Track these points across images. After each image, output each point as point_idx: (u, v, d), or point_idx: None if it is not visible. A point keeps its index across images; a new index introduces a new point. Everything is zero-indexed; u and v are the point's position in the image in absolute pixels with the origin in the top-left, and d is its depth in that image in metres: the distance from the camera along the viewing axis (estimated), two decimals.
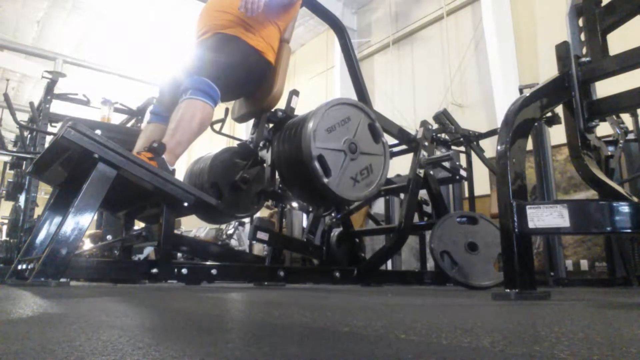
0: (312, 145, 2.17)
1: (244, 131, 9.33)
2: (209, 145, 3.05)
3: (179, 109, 2.21)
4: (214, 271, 2.26)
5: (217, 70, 2.32)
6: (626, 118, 3.67)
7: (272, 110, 2.53)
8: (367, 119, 2.47)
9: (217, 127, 2.78)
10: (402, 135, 3.06)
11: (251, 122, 2.71)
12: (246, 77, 2.49)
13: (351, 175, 2.35)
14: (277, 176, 2.52)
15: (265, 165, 2.55)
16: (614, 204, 1.48)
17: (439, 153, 3.31)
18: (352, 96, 3.11)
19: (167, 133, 2.18)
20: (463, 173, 3.36)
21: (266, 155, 2.54)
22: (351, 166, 2.35)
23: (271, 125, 2.58)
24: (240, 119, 2.76)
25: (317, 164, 2.18)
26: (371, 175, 2.43)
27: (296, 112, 2.65)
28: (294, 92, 2.67)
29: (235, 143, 3.26)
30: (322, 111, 2.27)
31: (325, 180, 2.21)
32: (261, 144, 2.56)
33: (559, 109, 1.88)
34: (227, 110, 2.82)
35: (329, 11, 3.25)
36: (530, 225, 1.47)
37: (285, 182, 2.50)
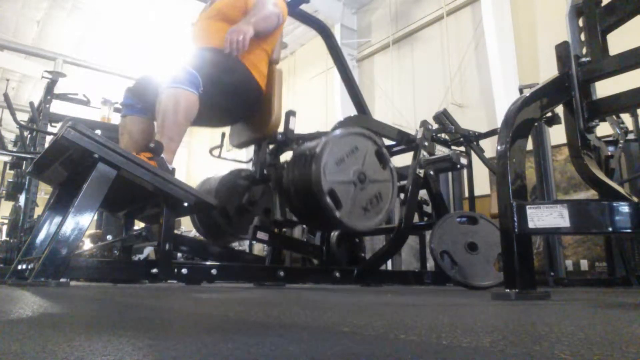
0: (323, 181, 2.17)
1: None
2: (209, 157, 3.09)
3: (161, 102, 2.12)
4: (214, 271, 2.26)
5: (209, 83, 2.23)
6: (626, 118, 3.67)
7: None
8: (374, 146, 2.46)
9: (216, 152, 2.83)
10: (401, 137, 3.07)
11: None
12: (235, 94, 2.44)
13: (362, 205, 2.36)
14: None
15: (273, 193, 2.57)
16: (614, 204, 1.48)
17: (438, 147, 3.28)
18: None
19: (157, 130, 2.13)
20: (463, 161, 3.35)
21: (271, 177, 2.57)
22: (361, 196, 2.36)
23: (271, 146, 2.62)
24: (240, 145, 2.80)
25: (328, 200, 2.19)
26: (380, 203, 2.44)
27: (296, 112, 2.67)
28: (291, 113, 2.69)
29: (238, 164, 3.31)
30: (331, 144, 2.25)
31: (338, 214, 2.22)
32: (265, 170, 2.60)
33: (559, 109, 1.88)
34: (223, 134, 2.84)
35: (315, 17, 3.28)
36: (530, 225, 1.47)
37: (296, 211, 2.52)
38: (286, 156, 2.73)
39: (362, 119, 3.05)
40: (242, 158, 3.67)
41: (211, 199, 2.18)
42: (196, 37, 2.62)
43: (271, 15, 2.47)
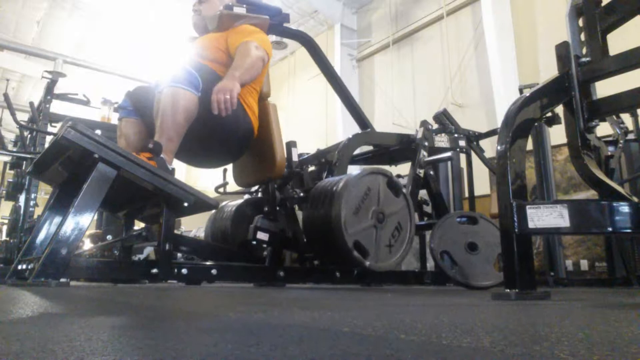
0: (347, 237, 2.18)
1: None
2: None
3: (159, 101, 2.09)
4: (214, 271, 2.27)
5: (199, 122, 2.15)
6: (626, 118, 3.67)
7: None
8: (384, 179, 2.46)
9: (221, 189, 2.86)
10: (401, 140, 3.08)
11: None
12: (227, 132, 2.32)
13: (385, 244, 2.37)
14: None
15: (288, 225, 2.62)
16: (614, 204, 1.48)
17: (437, 138, 3.28)
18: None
19: (156, 130, 2.11)
20: (462, 143, 3.36)
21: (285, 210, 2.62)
22: (383, 235, 2.37)
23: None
24: (247, 185, 2.82)
25: (356, 253, 2.21)
26: (402, 232, 2.45)
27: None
28: (292, 144, 2.70)
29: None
30: (346, 196, 2.23)
31: (367, 263, 2.24)
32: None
33: (559, 109, 1.88)
34: (224, 170, 2.85)
35: (298, 30, 3.24)
36: (530, 225, 1.47)
37: (317, 253, 2.57)
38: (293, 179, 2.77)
39: (367, 135, 3.06)
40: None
41: (211, 199, 2.18)
42: (198, 51, 2.57)
43: (256, 61, 2.32)
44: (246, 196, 3.30)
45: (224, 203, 3.03)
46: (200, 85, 2.14)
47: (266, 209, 2.62)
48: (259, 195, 3.08)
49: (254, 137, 2.48)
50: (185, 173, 14.12)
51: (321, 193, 2.37)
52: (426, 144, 3.05)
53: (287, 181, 2.71)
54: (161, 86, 2.12)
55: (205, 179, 10.96)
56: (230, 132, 2.34)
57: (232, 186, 3.07)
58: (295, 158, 2.68)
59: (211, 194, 2.78)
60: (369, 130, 3.08)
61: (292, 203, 2.66)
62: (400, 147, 3.18)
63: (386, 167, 2.89)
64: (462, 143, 3.40)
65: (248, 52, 2.31)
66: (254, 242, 2.48)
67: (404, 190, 2.54)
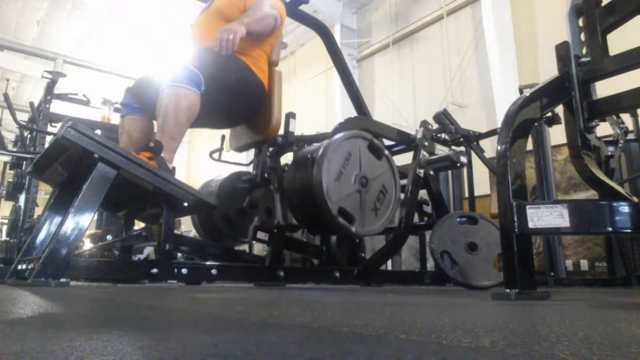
0: (330, 205, 2.16)
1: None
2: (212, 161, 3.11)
3: (161, 100, 2.10)
4: (214, 271, 2.26)
5: (212, 83, 2.22)
6: (626, 118, 3.67)
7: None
8: (364, 142, 2.44)
9: (216, 155, 2.83)
10: (401, 137, 3.07)
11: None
12: (240, 94, 2.43)
13: (371, 207, 2.35)
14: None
15: (275, 199, 2.57)
16: (614, 204, 1.48)
17: (439, 147, 3.28)
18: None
19: (157, 129, 2.13)
20: (463, 159, 3.35)
21: (273, 179, 2.57)
22: (368, 198, 2.35)
23: (271, 148, 2.62)
24: (240, 149, 2.79)
25: (341, 220, 2.19)
26: (387, 195, 2.43)
27: (296, 114, 2.67)
28: (291, 115, 2.68)
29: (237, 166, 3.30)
30: (326, 163, 2.21)
31: (353, 228, 2.22)
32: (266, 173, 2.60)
33: (559, 109, 1.88)
34: (223, 137, 2.84)
35: (314, 18, 3.28)
36: (530, 225, 1.47)
37: (301, 222, 2.52)
38: (286, 158, 2.73)
39: (362, 120, 3.05)
40: (242, 161, 3.69)
41: (211, 198, 2.18)
42: (196, 37, 2.62)
43: (267, 17, 2.43)
44: (240, 168, 3.26)
45: (209, 179, 3.03)
46: (202, 83, 2.17)
47: (254, 172, 2.60)
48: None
49: (265, 95, 2.54)
50: (185, 173, 14.12)
51: (302, 160, 2.35)
52: (426, 144, 3.05)
53: (281, 151, 2.68)
54: (163, 84, 2.14)
55: (206, 179, 10.95)
56: (241, 89, 2.43)
57: (228, 157, 3.06)
58: (292, 129, 2.67)
59: None
60: (366, 117, 3.08)
61: (281, 171, 2.65)
62: (400, 145, 3.18)
63: None
64: (463, 160, 3.39)
65: (261, 7, 2.43)
66: (254, 241, 2.48)
67: (386, 152, 2.52)
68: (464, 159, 3.33)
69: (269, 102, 2.57)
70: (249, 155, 2.94)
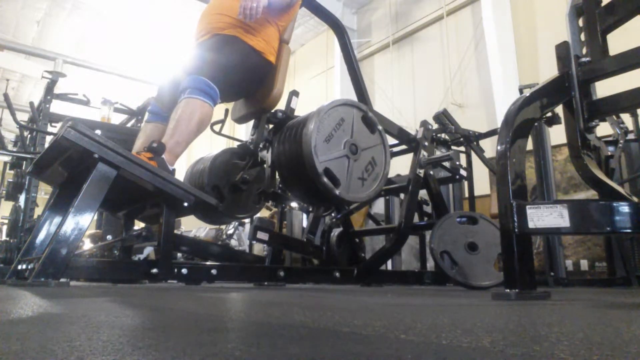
0: (317, 163, 2.16)
1: (243, 132, 9.33)
2: (209, 145, 3.07)
3: (178, 109, 2.21)
4: (214, 271, 2.27)
5: (217, 71, 2.31)
6: (626, 118, 3.67)
7: (272, 111, 2.53)
8: (359, 113, 2.46)
9: (217, 127, 2.78)
10: (402, 135, 3.06)
11: (251, 123, 2.71)
12: (246, 78, 2.49)
13: (358, 176, 2.35)
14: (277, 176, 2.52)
15: (265, 166, 2.55)
16: (614, 204, 1.48)
17: (439, 153, 3.31)
18: (352, 96, 3.12)
19: (167, 133, 2.18)
20: (463, 172, 3.36)
21: (266, 155, 2.54)
22: (356, 167, 2.35)
23: (271, 125, 2.58)
24: (240, 119, 2.75)
25: (325, 179, 2.18)
26: (376, 168, 2.44)
27: (296, 113, 2.65)
28: (294, 93, 2.67)
29: (235, 144, 3.25)
30: (317, 123, 2.23)
31: (337, 191, 2.22)
32: (261, 145, 2.56)
33: (559, 109, 1.88)
34: (226, 110, 2.81)
35: (329, 12, 3.26)
36: (530, 225, 1.47)
37: (287, 185, 2.50)
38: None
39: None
40: (242, 139, 3.65)
41: (211, 198, 2.18)
42: (202, 29, 2.60)
43: None
44: (237, 143, 3.21)
45: (202, 156, 3.01)
46: (218, 97, 2.30)
47: (249, 140, 2.59)
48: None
49: (270, 70, 2.58)
50: (185, 173, 14.11)
51: (295, 122, 2.38)
52: (426, 144, 3.05)
53: (281, 126, 2.67)
54: (182, 95, 2.24)
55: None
56: (251, 75, 2.50)
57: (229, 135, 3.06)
58: (294, 106, 2.67)
59: None
60: (368, 107, 3.09)
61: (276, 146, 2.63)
62: (400, 145, 3.18)
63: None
64: (463, 173, 3.40)
65: None
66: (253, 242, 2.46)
67: (379, 127, 2.53)
68: (463, 172, 3.35)
69: (273, 75, 2.58)
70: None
